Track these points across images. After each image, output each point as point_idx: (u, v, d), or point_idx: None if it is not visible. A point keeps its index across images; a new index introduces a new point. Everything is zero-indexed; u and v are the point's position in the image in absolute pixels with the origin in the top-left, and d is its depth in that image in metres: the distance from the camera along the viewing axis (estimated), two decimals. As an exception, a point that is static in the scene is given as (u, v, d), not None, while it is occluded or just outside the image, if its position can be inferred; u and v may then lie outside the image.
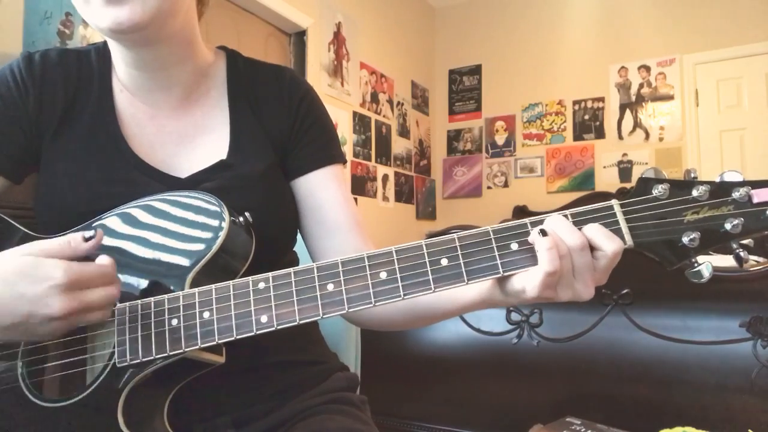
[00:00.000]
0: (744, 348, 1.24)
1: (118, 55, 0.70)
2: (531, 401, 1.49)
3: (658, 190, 0.52)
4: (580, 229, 0.52)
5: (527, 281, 0.52)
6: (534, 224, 0.53)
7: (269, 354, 0.70)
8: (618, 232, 0.52)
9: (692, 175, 0.52)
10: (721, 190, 0.51)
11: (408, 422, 1.67)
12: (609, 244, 0.51)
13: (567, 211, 0.53)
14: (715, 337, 1.28)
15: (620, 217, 0.52)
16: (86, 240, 0.53)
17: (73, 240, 0.53)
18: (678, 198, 0.52)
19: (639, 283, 1.37)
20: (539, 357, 1.47)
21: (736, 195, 0.50)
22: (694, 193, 0.51)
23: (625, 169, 4.51)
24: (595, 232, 0.51)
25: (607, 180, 4.57)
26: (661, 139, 4.39)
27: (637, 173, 4.44)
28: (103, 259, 0.53)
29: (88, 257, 0.53)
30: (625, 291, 1.39)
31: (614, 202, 0.53)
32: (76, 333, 0.58)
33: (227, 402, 0.67)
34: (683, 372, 1.30)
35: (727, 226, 0.50)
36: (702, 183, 0.51)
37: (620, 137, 4.56)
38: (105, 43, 0.73)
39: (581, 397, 1.42)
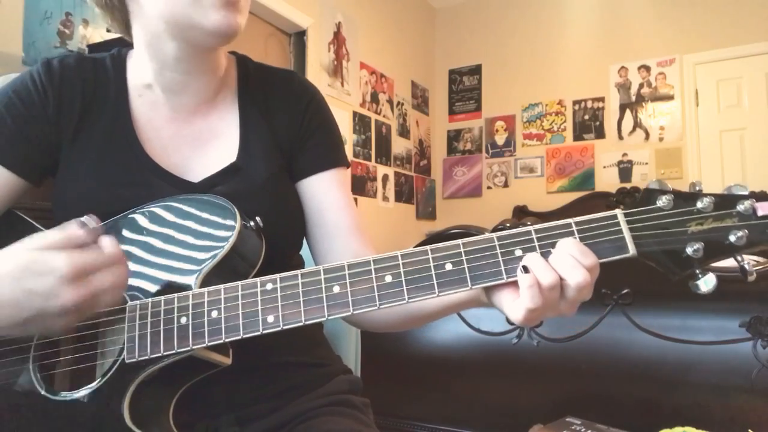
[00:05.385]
0: (744, 348, 1.24)
1: (159, 58, 0.70)
2: (531, 401, 1.49)
3: (663, 200, 0.52)
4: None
5: (512, 312, 0.53)
6: (537, 232, 0.53)
7: (274, 354, 0.71)
8: (621, 241, 0.52)
9: (697, 188, 0.52)
10: (725, 202, 0.51)
11: (408, 422, 1.68)
12: (574, 276, 0.50)
13: (572, 220, 0.53)
14: (715, 337, 1.28)
15: (624, 227, 0.52)
16: (82, 226, 0.52)
17: (70, 228, 0.52)
18: (682, 209, 0.52)
19: (639, 283, 1.37)
20: (539, 357, 1.48)
21: (740, 207, 0.50)
22: (699, 204, 0.51)
23: (625, 169, 4.52)
24: (564, 263, 0.51)
25: (607, 180, 4.58)
26: (661, 139, 4.39)
27: (637, 173, 4.46)
28: (106, 241, 0.52)
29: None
30: (625, 291, 1.39)
31: (618, 212, 0.53)
32: (88, 329, 0.59)
33: (231, 400, 0.68)
34: (683, 372, 1.31)
35: (732, 238, 0.50)
36: (706, 195, 0.51)
37: (620, 137, 4.57)
38: (120, 51, 0.75)
39: (581, 397, 1.43)
